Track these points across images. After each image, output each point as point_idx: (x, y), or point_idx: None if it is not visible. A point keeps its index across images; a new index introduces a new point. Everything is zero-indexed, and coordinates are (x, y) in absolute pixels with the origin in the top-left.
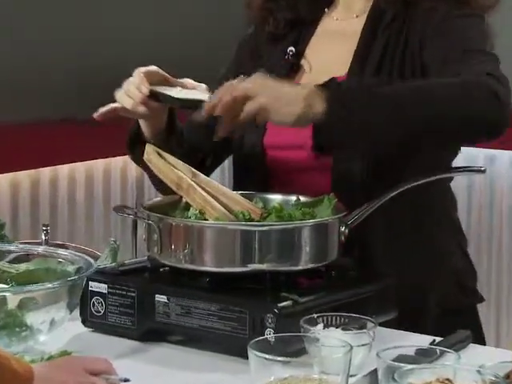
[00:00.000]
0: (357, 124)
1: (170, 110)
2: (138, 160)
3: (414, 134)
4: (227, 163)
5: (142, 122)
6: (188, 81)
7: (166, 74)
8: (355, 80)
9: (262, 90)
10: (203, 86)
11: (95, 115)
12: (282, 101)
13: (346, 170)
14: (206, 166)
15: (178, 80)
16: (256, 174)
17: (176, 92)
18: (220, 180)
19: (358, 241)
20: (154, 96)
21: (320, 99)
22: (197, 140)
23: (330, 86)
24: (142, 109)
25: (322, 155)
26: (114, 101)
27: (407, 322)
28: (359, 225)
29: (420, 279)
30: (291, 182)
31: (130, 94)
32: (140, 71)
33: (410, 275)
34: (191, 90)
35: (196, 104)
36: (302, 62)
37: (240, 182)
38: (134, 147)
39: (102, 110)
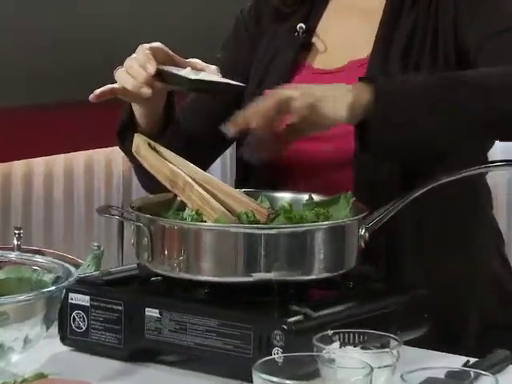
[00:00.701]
0: (408, 123)
1: (168, 95)
2: (128, 150)
3: (472, 134)
4: (229, 158)
5: (135, 108)
6: (196, 61)
7: (172, 53)
8: (401, 77)
9: (303, 91)
10: (213, 67)
11: (90, 97)
12: (329, 95)
13: (370, 163)
14: (204, 160)
15: (186, 60)
16: (264, 169)
17: (186, 73)
18: (222, 177)
19: (381, 246)
20: (158, 77)
21: (366, 90)
22: (195, 130)
23: (374, 79)
24: (145, 90)
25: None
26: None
27: (438, 340)
28: (382, 227)
29: (454, 289)
30: (305, 178)
31: (133, 72)
32: (145, 47)
33: (442, 284)
34: (202, 72)
35: (213, 87)
36: (314, 40)
37: (244, 180)
38: (126, 135)
39: (98, 90)
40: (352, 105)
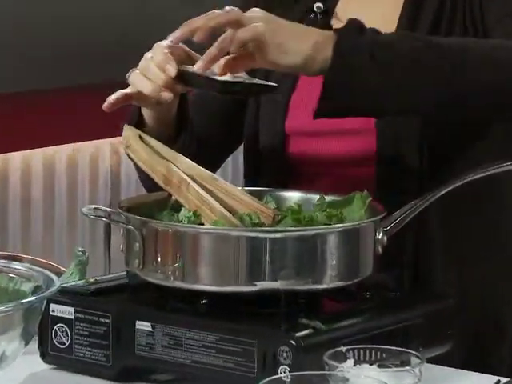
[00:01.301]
0: (360, 88)
1: (181, 97)
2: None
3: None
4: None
5: (145, 111)
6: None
7: (191, 51)
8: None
9: (261, 19)
10: None
11: (104, 106)
12: (285, 34)
13: (395, 160)
14: (214, 160)
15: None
16: (273, 167)
17: (211, 73)
18: (221, 175)
19: (403, 250)
20: (178, 79)
21: (330, 45)
22: (203, 128)
23: (345, 31)
24: (166, 95)
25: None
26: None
27: (466, 357)
28: (408, 230)
29: (489, 297)
30: (319, 178)
31: (151, 75)
32: (163, 46)
33: (475, 292)
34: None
35: (246, 89)
36: (333, 21)
37: (252, 179)
38: None
39: (111, 98)
40: (309, 56)
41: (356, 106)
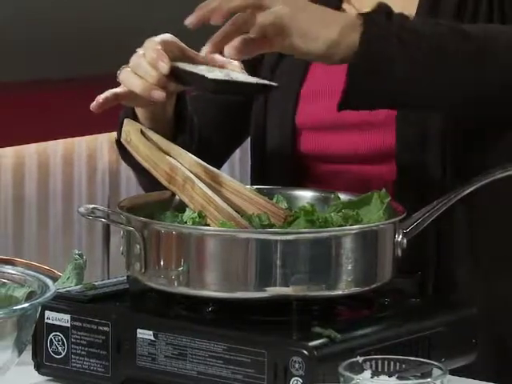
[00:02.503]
0: (388, 75)
1: (178, 96)
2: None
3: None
4: (237, 152)
5: (139, 111)
6: (216, 56)
7: (185, 46)
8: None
9: (284, 2)
10: (235, 63)
11: (92, 106)
12: (309, 18)
13: (415, 158)
14: (217, 158)
15: (200, 54)
16: (282, 165)
17: (206, 71)
18: (229, 173)
19: (423, 254)
20: (171, 76)
21: (357, 31)
22: (205, 124)
23: (373, 16)
24: (158, 94)
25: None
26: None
27: (491, 369)
28: (430, 232)
29: None
30: (333, 176)
31: (142, 72)
32: (155, 41)
33: (503, 298)
34: (220, 68)
35: (241, 89)
36: (345, 5)
37: (260, 177)
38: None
39: (100, 97)
40: (333, 42)
41: (384, 95)
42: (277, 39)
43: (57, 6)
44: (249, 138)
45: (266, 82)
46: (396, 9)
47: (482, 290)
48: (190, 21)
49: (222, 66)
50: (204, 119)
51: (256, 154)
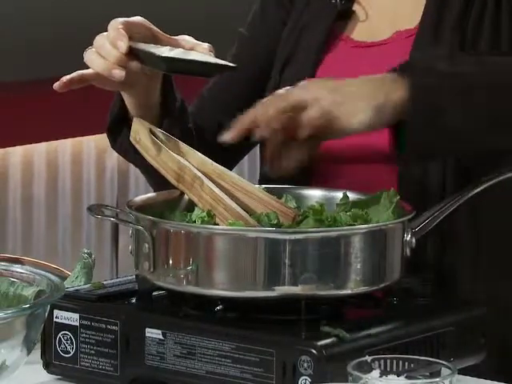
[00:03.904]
0: (453, 123)
1: (164, 80)
2: (124, 149)
3: None
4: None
5: (125, 98)
6: (185, 38)
7: (155, 28)
8: (445, 61)
9: (319, 92)
10: (205, 45)
11: (55, 85)
12: (349, 96)
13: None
14: (228, 160)
15: (172, 37)
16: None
17: (165, 51)
18: (237, 173)
19: (434, 253)
20: (135, 56)
21: (399, 84)
22: (216, 125)
23: (411, 68)
24: (118, 73)
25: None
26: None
27: (500, 368)
28: (432, 231)
29: None
30: (340, 175)
31: (103, 52)
32: (118, 22)
33: (506, 300)
34: (188, 50)
35: (193, 68)
36: (355, 7)
37: (267, 178)
38: (118, 131)
39: (66, 77)
40: (379, 107)
41: (446, 145)
42: (325, 129)
43: (57, 5)
44: None
45: (223, 61)
46: (406, 5)
47: (485, 290)
48: (228, 137)
49: (191, 49)
50: (214, 121)
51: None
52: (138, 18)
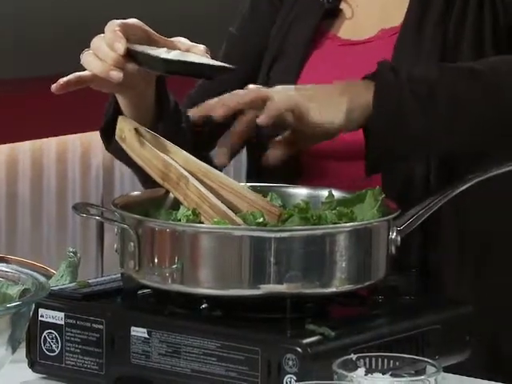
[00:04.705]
0: (414, 129)
1: (158, 81)
2: (118, 150)
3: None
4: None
5: (120, 100)
6: (181, 39)
7: (151, 30)
8: (410, 68)
9: (288, 89)
10: (201, 47)
11: (52, 87)
12: (319, 94)
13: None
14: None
15: (168, 39)
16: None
17: (163, 53)
18: (223, 171)
19: (419, 252)
20: (132, 58)
21: (365, 89)
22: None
23: (379, 75)
24: (115, 74)
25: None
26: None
27: (484, 366)
28: (416, 230)
29: (505, 304)
30: (325, 173)
31: (101, 54)
32: (115, 24)
33: (490, 299)
34: (184, 52)
35: (190, 69)
36: (342, 5)
37: (256, 173)
38: (111, 134)
39: (63, 79)
40: (349, 110)
41: (405, 151)
42: (298, 123)
43: (57, 5)
44: None
45: (221, 63)
46: (391, 4)
47: (471, 288)
48: (193, 113)
49: (187, 50)
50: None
51: (251, 152)
52: (133, 20)
